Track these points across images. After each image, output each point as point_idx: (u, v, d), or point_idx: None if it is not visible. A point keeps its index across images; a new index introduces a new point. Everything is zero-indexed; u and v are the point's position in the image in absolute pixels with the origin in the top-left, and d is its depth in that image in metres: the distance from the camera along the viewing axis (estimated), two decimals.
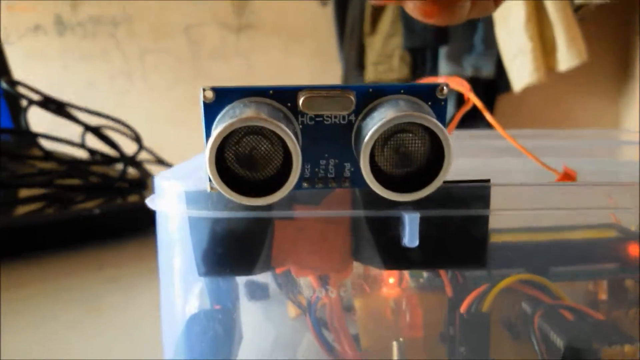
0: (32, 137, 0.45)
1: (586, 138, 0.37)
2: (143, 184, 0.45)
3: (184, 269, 0.19)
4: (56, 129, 0.45)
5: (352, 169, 0.17)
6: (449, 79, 0.27)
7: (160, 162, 0.50)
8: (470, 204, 0.17)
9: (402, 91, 0.16)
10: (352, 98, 0.16)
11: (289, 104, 0.16)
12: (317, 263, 0.18)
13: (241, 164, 0.16)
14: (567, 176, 0.29)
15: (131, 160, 0.45)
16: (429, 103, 0.16)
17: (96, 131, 0.46)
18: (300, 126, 0.16)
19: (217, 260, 0.18)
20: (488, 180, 0.17)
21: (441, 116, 0.16)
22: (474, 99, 0.23)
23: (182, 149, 0.40)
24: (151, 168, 0.50)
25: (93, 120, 0.47)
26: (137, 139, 0.47)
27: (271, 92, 0.16)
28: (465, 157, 0.26)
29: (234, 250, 0.18)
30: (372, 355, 0.21)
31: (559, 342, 0.19)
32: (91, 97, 1.25)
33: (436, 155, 0.16)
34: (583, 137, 0.37)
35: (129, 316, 0.31)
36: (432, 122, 0.15)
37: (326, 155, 0.17)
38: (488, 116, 0.21)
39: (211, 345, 0.20)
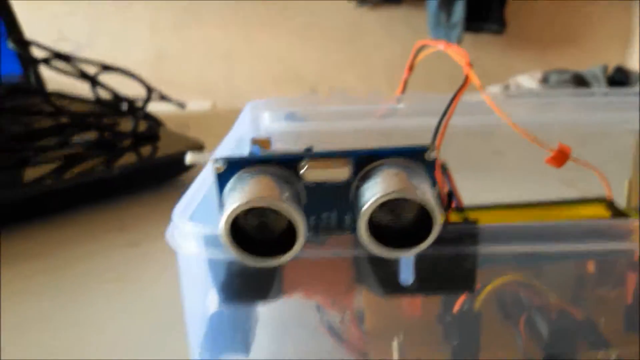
0: (44, 95, 0.46)
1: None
2: (155, 134, 0.47)
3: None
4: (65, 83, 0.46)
5: (352, 220, 0.19)
6: (448, 47, 0.28)
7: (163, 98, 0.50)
8: (461, 242, 0.19)
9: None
10: (349, 167, 0.18)
11: (292, 169, 0.18)
12: (324, 289, 0.21)
13: (251, 229, 0.18)
14: (561, 153, 0.30)
15: (143, 113, 0.47)
16: (420, 161, 0.18)
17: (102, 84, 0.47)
18: (304, 187, 0.18)
19: (235, 292, 0.21)
20: (476, 222, 0.19)
21: (430, 173, 0.18)
22: (472, 77, 0.24)
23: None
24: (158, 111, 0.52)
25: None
26: (148, 89, 0.48)
27: (276, 161, 0.18)
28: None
29: (249, 284, 0.20)
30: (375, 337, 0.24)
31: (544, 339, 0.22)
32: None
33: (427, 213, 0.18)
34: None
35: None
36: (420, 198, 0.17)
37: (328, 209, 0.19)
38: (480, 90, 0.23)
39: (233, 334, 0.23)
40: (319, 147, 0.24)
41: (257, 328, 0.23)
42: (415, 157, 0.18)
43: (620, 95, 0.36)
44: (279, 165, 0.18)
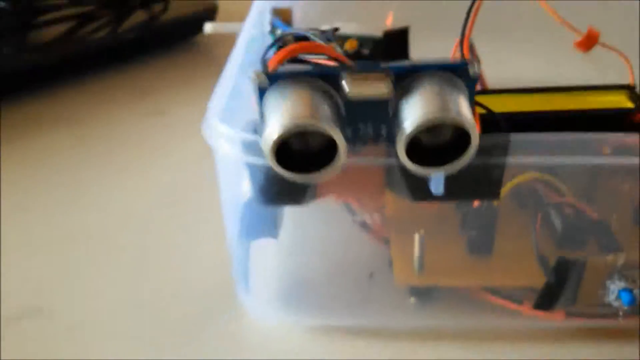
0: None
1: None
2: None
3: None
4: None
5: (388, 130, 0.19)
6: None
7: None
8: (491, 153, 0.20)
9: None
10: (390, 82, 0.18)
11: (333, 83, 0.18)
12: (354, 192, 0.22)
13: (293, 142, 0.18)
14: (590, 38, 0.30)
15: None
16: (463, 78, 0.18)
17: None
18: (343, 100, 0.19)
19: (272, 195, 0.21)
20: (508, 136, 0.20)
21: (471, 91, 0.18)
22: None
23: None
24: None
25: None
26: None
27: (316, 75, 0.18)
28: None
29: (285, 187, 0.21)
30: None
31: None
32: None
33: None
34: None
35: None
36: (461, 121, 0.17)
37: (366, 121, 0.19)
38: None
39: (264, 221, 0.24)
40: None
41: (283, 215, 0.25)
42: (456, 72, 0.18)
43: None
44: (320, 78, 0.18)
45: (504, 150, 0.20)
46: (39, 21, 0.39)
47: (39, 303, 0.25)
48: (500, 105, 0.26)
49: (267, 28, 0.31)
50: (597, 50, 0.28)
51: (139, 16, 0.43)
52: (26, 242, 0.28)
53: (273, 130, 0.17)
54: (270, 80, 0.18)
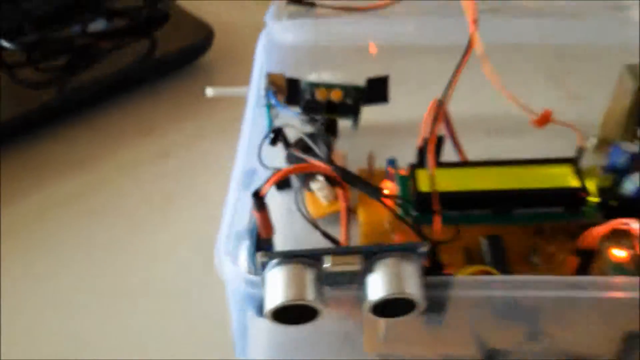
0: None
1: None
2: (165, 15, 0.49)
3: None
4: None
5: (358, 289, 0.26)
6: None
7: None
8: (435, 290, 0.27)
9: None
10: (361, 261, 0.25)
11: (317, 261, 0.25)
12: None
13: None
14: (544, 117, 0.35)
15: None
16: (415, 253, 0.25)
17: None
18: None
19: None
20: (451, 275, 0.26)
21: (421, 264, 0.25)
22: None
23: None
24: None
25: None
26: None
27: (305, 255, 0.25)
28: None
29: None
30: None
31: None
32: None
33: None
34: None
35: None
36: (410, 296, 0.24)
37: (341, 282, 0.26)
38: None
39: None
40: None
41: None
42: (411, 251, 0.24)
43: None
44: (308, 257, 0.24)
45: (447, 288, 0.26)
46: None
47: None
48: (453, 181, 0.33)
49: (262, 93, 0.37)
50: None
51: (138, 47, 0.47)
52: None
53: (272, 302, 0.24)
54: (270, 258, 0.24)
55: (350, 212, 0.32)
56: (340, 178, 0.31)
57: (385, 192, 0.36)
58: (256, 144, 0.33)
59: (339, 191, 0.30)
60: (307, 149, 0.33)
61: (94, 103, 0.46)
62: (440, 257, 0.30)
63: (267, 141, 0.34)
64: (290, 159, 0.34)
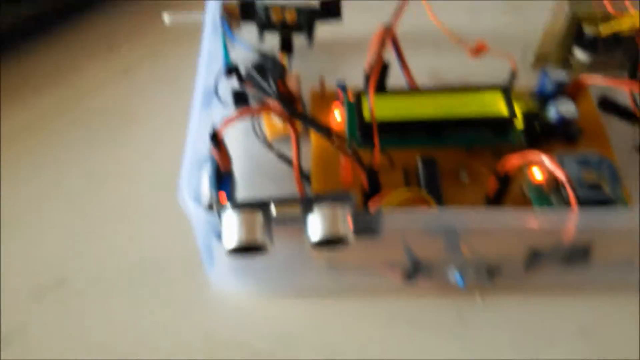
0: None
1: None
2: None
3: None
4: None
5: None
6: None
7: None
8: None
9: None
10: (300, 206, 0.30)
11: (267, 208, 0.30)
12: None
13: None
14: (479, 48, 0.39)
15: None
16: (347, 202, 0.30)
17: None
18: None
19: None
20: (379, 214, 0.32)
21: (353, 207, 0.30)
22: None
23: None
24: None
25: None
26: None
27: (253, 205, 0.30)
28: None
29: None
30: None
31: None
32: None
33: None
34: None
35: None
36: (339, 234, 0.29)
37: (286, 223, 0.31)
38: None
39: None
40: None
41: None
42: (342, 200, 0.30)
43: None
44: (258, 206, 0.29)
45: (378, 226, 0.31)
46: None
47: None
48: (393, 108, 0.38)
49: (219, 23, 0.40)
50: None
51: None
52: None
53: (228, 243, 0.29)
54: (225, 206, 0.29)
55: (301, 136, 0.37)
56: (288, 114, 0.35)
57: (337, 115, 0.40)
58: (214, 69, 0.37)
59: (289, 124, 0.35)
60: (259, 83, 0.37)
61: (52, 22, 0.48)
62: (379, 179, 0.36)
63: (223, 74, 0.38)
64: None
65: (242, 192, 0.38)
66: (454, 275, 0.35)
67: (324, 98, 0.43)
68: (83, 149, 0.44)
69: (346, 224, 0.29)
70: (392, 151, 0.39)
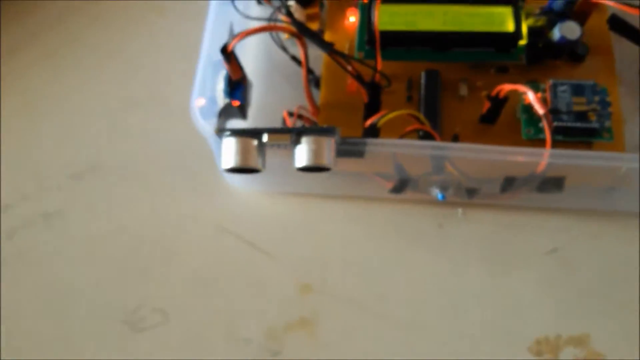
0: None
1: None
2: None
3: None
4: None
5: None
6: None
7: None
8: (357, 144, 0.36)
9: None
10: (290, 137, 0.33)
11: (259, 136, 0.33)
12: None
13: None
14: None
15: None
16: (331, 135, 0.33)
17: None
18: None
19: None
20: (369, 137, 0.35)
21: (337, 141, 0.34)
22: None
23: None
24: None
25: None
26: None
27: (250, 133, 0.34)
28: None
29: None
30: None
31: None
32: None
33: None
34: None
35: None
36: (322, 163, 0.33)
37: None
38: None
39: None
40: None
41: None
42: (327, 133, 0.33)
43: None
44: (252, 134, 0.33)
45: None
46: None
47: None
48: (402, 17, 0.40)
49: None
50: None
51: None
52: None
53: (226, 163, 0.33)
54: (225, 132, 0.33)
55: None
56: (298, 32, 0.37)
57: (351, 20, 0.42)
58: None
59: (297, 40, 0.37)
60: None
61: None
62: (380, 95, 0.39)
63: None
64: None
65: (258, 93, 0.42)
66: (437, 192, 0.38)
67: None
68: (119, 38, 0.47)
69: (329, 154, 0.32)
70: (397, 62, 0.41)
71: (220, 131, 0.32)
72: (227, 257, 0.39)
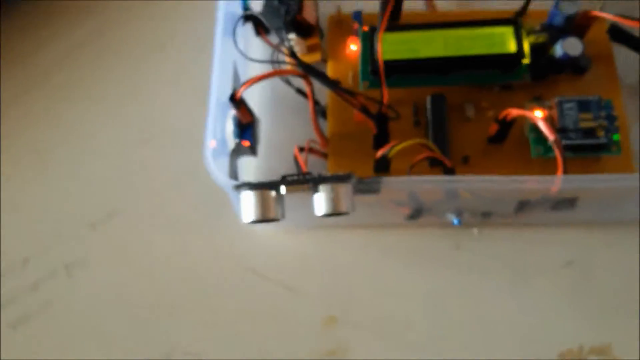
0: None
1: None
2: None
3: None
4: None
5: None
6: None
7: None
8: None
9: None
10: (309, 187, 0.34)
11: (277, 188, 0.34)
12: None
13: None
14: None
15: None
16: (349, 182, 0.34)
17: None
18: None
19: None
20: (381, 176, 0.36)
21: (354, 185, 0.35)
22: None
23: None
24: None
25: None
26: None
27: (267, 186, 0.34)
28: None
29: None
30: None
31: None
32: None
33: None
34: None
35: None
36: (340, 210, 0.34)
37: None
38: None
39: None
40: None
41: None
42: (343, 179, 0.34)
43: None
44: (269, 187, 0.34)
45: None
46: None
47: None
48: (404, 46, 0.40)
49: None
50: None
51: None
52: None
53: (246, 218, 0.34)
54: (242, 188, 0.34)
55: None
56: (304, 73, 0.38)
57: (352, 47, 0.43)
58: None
59: (303, 80, 0.38)
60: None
61: None
62: (388, 126, 0.39)
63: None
64: None
65: (265, 127, 0.43)
66: (452, 218, 0.39)
67: (341, 23, 0.44)
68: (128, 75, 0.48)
69: (347, 201, 0.33)
70: (402, 88, 0.41)
71: (239, 187, 0.33)
72: (251, 295, 0.40)
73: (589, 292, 0.39)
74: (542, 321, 0.39)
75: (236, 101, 0.37)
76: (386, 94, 0.37)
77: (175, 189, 0.43)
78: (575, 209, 0.38)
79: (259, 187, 0.33)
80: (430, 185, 0.35)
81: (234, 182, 0.33)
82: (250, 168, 0.42)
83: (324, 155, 0.41)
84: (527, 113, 0.36)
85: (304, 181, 0.33)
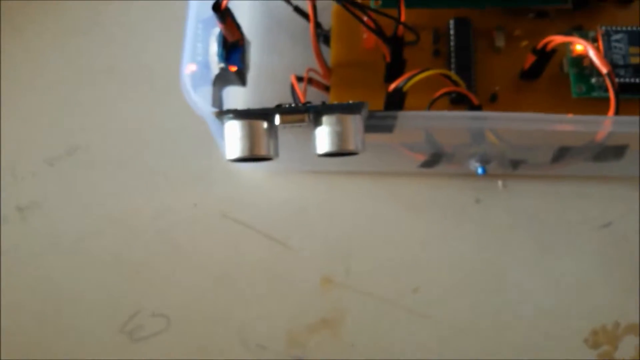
0: None
1: None
2: None
3: None
4: None
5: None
6: None
7: None
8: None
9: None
10: (307, 117, 0.27)
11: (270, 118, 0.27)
12: None
13: None
14: None
15: None
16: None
17: None
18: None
19: None
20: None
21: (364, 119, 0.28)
22: None
23: None
24: None
25: None
26: None
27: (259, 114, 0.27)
28: None
29: None
30: None
31: None
32: None
33: None
34: None
35: None
36: (348, 149, 0.27)
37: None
38: None
39: None
40: None
41: None
42: (352, 109, 0.27)
43: None
44: (261, 116, 0.27)
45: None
46: None
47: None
48: None
49: None
50: None
51: None
52: None
53: (230, 154, 0.27)
54: (226, 116, 0.27)
55: None
56: None
57: None
58: None
59: None
60: None
61: None
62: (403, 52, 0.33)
63: None
64: None
65: (257, 53, 0.36)
66: (476, 166, 0.33)
67: None
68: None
69: (356, 137, 0.27)
70: (420, 9, 0.35)
71: (221, 114, 0.26)
72: (235, 250, 0.34)
73: (629, 260, 0.34)
74: (572, 292, 0.33)
75: (221, 11, 0.30)
76: (404, 12, 0.31)
77: (145, 123, 0.37)
78: (622, 161, 0.32)
79: (248, 115, 0.26)
80: (453, 122, 0.28)
81: (216, 110, 0.26)
82: (237, 101, 0.36)
83: (326, 88, 0.35)
84: (575, 39, 0.30)
85: (303, 110, 0.26)
